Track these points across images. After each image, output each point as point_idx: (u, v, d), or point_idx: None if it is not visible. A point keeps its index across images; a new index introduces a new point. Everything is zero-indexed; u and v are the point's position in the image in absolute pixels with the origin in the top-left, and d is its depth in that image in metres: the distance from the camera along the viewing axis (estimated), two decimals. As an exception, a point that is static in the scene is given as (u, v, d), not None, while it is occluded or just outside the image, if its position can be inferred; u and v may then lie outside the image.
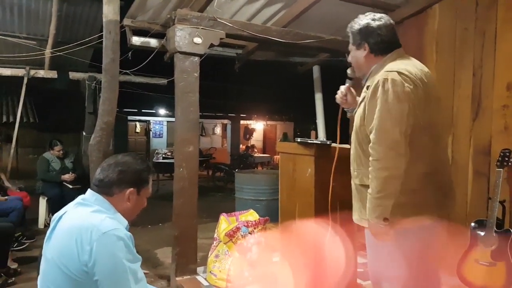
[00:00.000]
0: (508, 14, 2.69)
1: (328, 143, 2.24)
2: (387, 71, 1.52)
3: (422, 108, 1.50)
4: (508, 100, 2.68)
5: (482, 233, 2.41)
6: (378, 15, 1.66)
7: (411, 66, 1.57)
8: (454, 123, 3.00)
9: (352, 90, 1.89)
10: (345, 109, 1.93)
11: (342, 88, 1.88)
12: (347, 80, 1.87)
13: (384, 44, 1.64)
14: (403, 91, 1.46)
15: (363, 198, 1.59)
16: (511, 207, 2.54)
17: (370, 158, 1.51)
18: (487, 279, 2.32)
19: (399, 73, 1.49)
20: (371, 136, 1.51)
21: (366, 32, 1.65)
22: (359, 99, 1.73)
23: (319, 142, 2.28)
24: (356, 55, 1.71)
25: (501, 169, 2.45)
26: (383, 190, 1.46)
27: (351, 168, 1.73)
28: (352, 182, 1.73)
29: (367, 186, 1.55)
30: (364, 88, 1.67)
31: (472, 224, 2.48)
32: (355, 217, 1.70)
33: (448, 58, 3.08)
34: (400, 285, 1.56)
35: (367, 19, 1.66)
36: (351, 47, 1.72)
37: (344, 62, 3.99)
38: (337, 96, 1.90)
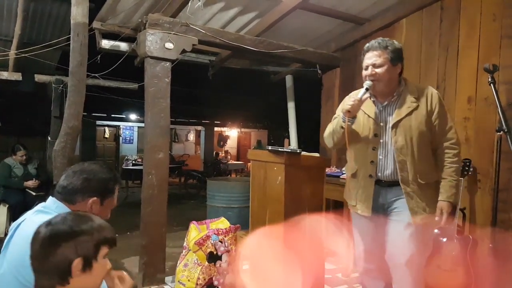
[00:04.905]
0: (469, 31, 2.83)
1: (298, 151, 2.27)
2: (434, 89, 1.88)
3: None
4: (469, 113, 2.82)
5: (444, 240, 2.50)
6: None
7: None
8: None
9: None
10: (348, 120, 1.83)
11: (364, 96, 1.80)
12: (366, 91, 1.81)
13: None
14: None
15: (427, 194, 1.84)
16: (470, 215, 2.66)
17: (451, 152, 1.85)
18: (448, 284, 2.40)
19: None
20: (450, 135, 1.85)
21: (401, 54, 1.83)
22: (401, 108, 1.84)
23: (289, 151, 2.30)
24: (392, 71, 1.81)
25: (462, 178, 2.57)
26: (458, 174, 1.89)
27: (409, 173, 1.84)
28: (407, 185, 1.84)
29: (428, 184, 1.84)
30: (412, 99, 1.83)
31: (436, 230, 2.57)
32: (420, 216, 1.83)
33: (414, 71, 3.21)
34: None
35: (398, 43, 1.85)
36: (385, 62, 1.79)
37: (315, 72, 4.11)
38: (352, 103, 1.79)
